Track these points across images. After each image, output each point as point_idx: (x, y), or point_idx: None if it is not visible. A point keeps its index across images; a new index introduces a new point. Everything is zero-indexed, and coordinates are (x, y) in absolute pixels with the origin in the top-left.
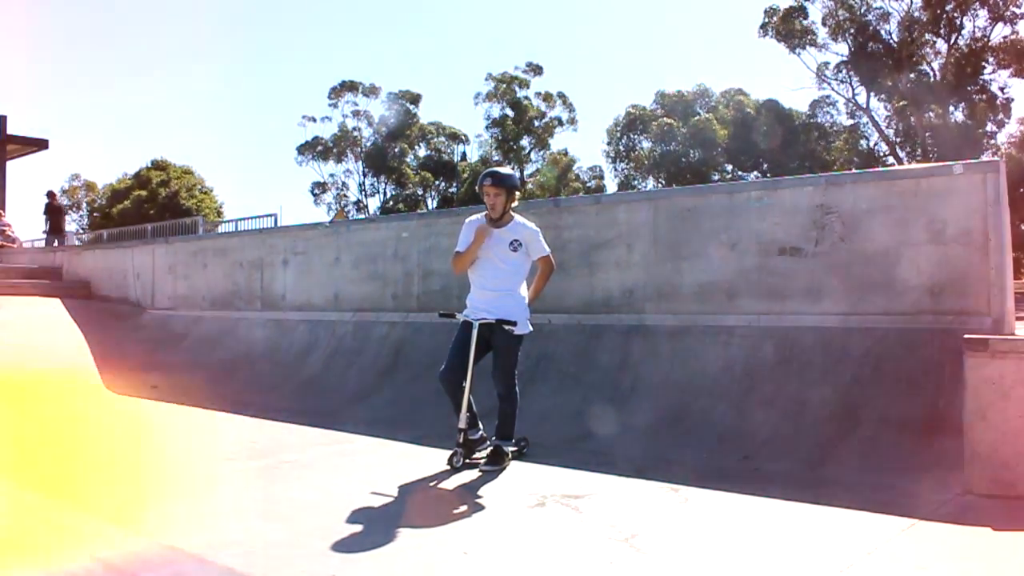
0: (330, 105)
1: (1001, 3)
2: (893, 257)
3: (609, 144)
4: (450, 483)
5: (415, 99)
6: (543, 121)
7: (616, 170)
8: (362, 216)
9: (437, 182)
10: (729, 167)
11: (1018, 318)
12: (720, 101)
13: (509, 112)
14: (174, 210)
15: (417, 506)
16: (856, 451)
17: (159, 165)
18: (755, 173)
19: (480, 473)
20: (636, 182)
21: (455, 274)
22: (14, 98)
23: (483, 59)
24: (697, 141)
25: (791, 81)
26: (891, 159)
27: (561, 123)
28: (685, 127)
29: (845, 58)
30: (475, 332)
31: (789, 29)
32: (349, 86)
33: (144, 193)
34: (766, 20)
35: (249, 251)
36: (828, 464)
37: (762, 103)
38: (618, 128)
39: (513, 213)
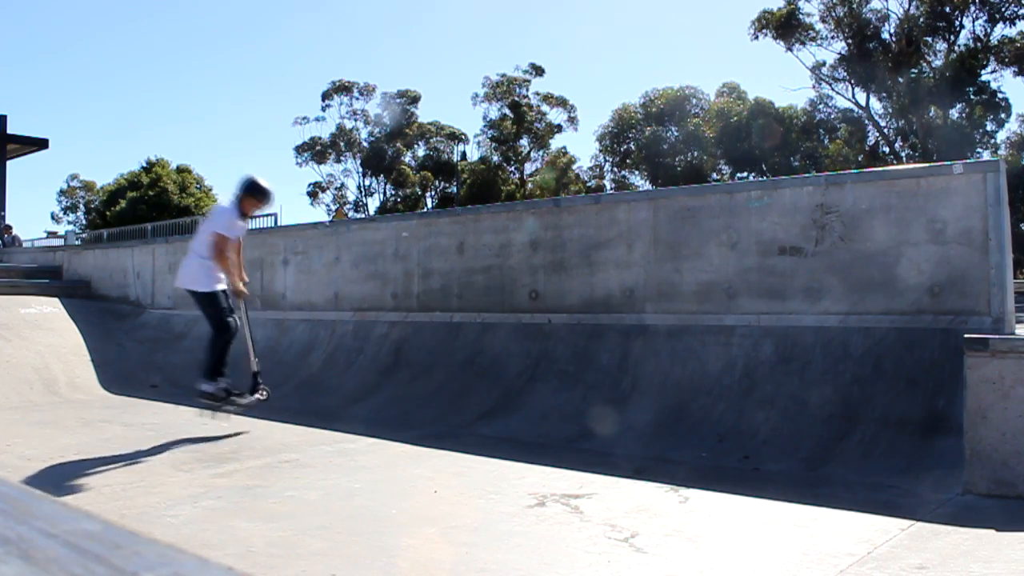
0: (323, 107)
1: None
2: (893, 257)
3: (601, 151)
4: (450, 482)
5: (414, 99)
6: (543, 122)
7: (613, 172)
8: (361, 216)
9: (436, 182)
10: (726, 168)
11: (1018, 320)
12: (715, 103)
13: (508, 112)
14: (165, 207)
15: (417, 506)
16: (856, 451)
17: (152, 164)
18: (751, 174)
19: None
20: (629, 184)
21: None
22: (14, 98)
23: (483, 58)
24: (689, 144)
25: (789, 81)
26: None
27: (560, 128)
28: (677, 129)
29: (844, 53)
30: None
31: (787, 26)
32: (340, 88)
33: (136, 194)
34: (762, 20)
35: (249, 250)
36: (828, 464)
37: (757, 102)
38: (607, 135)
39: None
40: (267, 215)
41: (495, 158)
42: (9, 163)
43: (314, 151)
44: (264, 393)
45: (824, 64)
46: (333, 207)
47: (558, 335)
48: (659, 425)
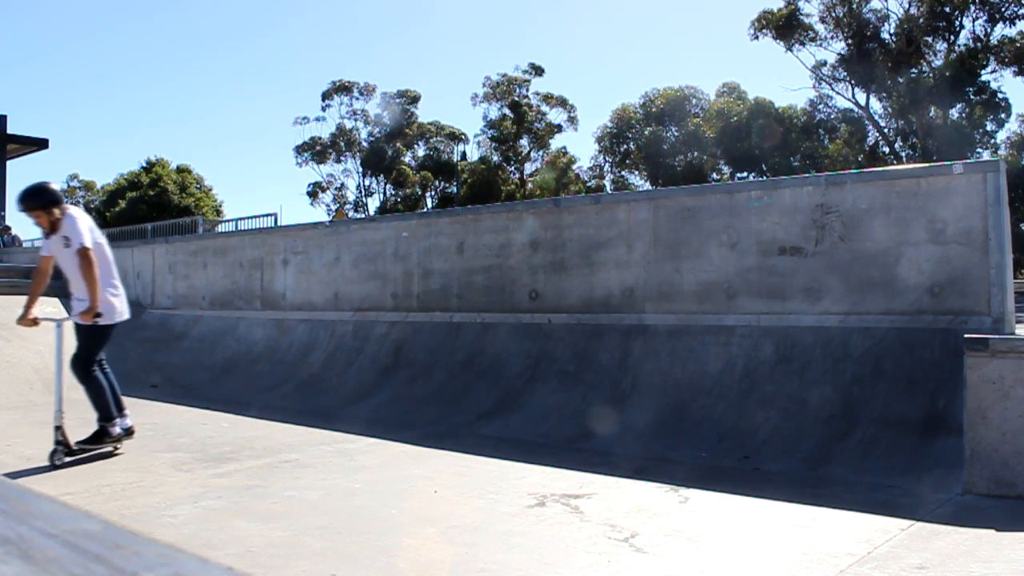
0: (323, 107)
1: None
2: (893, 257)
3: (600, 152)
4: (450, 482)
5: (414, 99)
6: (543, 122)
7: (613, 172)
8: (361, 216)
9: (436, 182)
10: (726, 168)
11: (1018, 321)
12: (715, 103)
13: (508, 112)
14: (165, 207)
15: (417, 506)
16: (856, 451)
17: (152, 164)
18: (751, 174)
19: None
20: (629, 184)
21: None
22: (14, 98)
23: (483, 58)
24: (689, 144)
25: (789, 81)
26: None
27: (560, 128)
28: (677, 129)
29: (844, 53)
30: (60, 330)
31: (787, 26)
32: (340, 88)
33: (136, 194)
34: (762, 20)
35: (249, 251)
36: (828, 464)
37: (757, 102)
38: (607, 136)
39: (69, 212)
40: (267, 215)
41: (495, 158)
42: (9, 163)
43: (314, 151)
44: (58, 458)
45: (824, 64)
46: (333, 207)
47: (558, 335)
48: (659, 425)
